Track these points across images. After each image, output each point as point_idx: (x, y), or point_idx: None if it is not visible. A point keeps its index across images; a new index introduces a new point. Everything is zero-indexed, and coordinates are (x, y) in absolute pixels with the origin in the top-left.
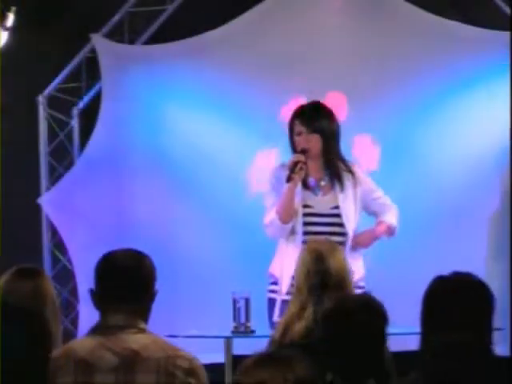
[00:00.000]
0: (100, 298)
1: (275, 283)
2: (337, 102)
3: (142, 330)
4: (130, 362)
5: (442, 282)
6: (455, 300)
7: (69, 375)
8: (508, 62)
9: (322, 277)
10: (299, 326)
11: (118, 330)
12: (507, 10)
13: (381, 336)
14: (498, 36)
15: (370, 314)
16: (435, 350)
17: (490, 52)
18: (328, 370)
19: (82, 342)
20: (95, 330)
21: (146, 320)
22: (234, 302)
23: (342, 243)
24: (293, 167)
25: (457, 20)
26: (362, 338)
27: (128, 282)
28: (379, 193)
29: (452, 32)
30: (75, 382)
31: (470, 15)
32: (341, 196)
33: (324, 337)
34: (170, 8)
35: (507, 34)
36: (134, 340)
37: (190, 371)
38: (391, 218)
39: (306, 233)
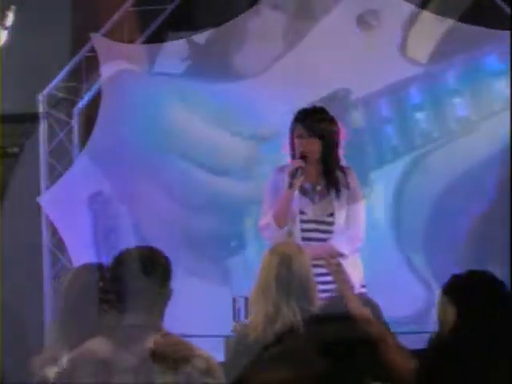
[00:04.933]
0: (115, 296)
1: None
2: None
3: (160, 330)
4: (149, 362)
5: (458, 279)
6: (471, 297)
7: (88, 376)
8: (508, 62)
9: (288, 280)
10: (278, 326)
11: (136, 330)
12: (507, 9)
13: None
14: (498, 36)
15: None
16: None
17: (490, 52)
18: None
19: (100, 342)
20: (112, 330)
21: (162, 319)
22: (234, 301)
23: None
24: (294, 173)
25: (457, 19)
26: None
27: (145, 280)
28: (356, 209)
29: (452, 31)
30: (95, 383)
31: (470, 15)
32: (336, 203)
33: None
34: (170, 8)
35: (507, 33)
36: (151, 340)
37: (207, 371)
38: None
39: (302, 239)
